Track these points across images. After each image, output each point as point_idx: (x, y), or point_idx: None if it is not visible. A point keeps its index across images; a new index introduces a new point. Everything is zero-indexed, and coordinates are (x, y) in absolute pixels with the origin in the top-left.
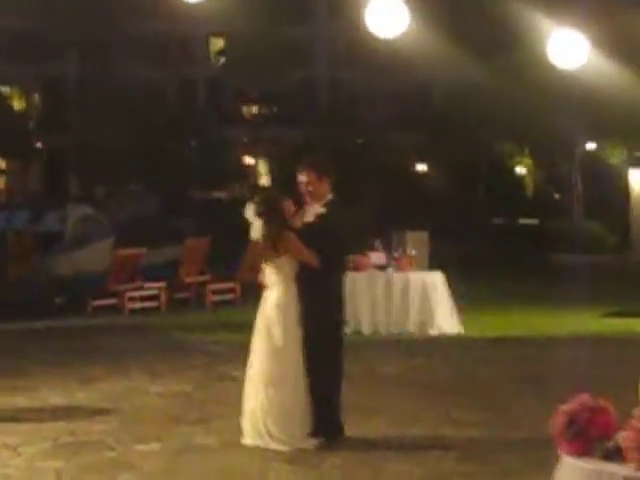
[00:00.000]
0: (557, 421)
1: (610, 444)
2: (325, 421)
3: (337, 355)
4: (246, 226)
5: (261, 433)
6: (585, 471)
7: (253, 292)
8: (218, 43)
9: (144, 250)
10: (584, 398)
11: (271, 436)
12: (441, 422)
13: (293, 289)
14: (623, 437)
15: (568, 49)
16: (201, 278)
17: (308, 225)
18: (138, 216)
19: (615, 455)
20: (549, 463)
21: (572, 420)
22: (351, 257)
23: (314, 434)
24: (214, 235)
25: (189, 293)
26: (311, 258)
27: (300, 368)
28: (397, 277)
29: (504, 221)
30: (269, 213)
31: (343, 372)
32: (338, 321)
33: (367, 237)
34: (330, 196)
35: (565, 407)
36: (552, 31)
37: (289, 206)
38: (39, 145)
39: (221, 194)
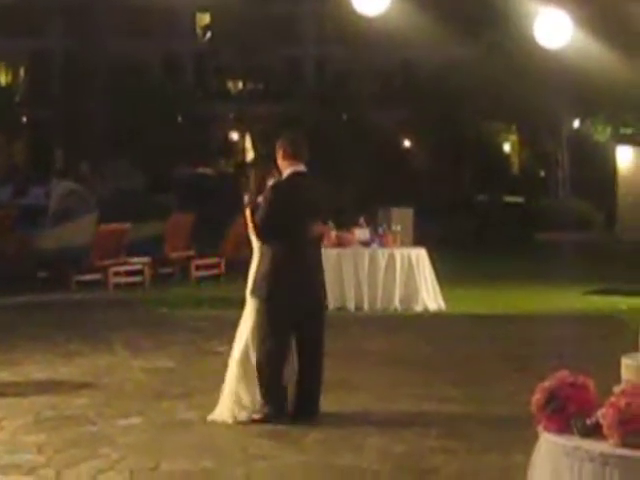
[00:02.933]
0: (537, 397)
1: (589, 421)
2: (264, 399)
3: (269, 332)
4: (231, 202)
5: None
6: (564, 447)
7: (237, 268)
8: (204, 18)
9: (128, 225)
10: (563, 374)
11: (226, 405)
12: (423, 398)
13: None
14: (602, 414)
15: (553, 28)
16: (185, 253)
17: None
18: (123, 191)
19: (594, 432)
20: (530, 439)
21: (551, 396)
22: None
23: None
24: (199, 211)
25: (173, 268)
26: (250, 231)
27: (248, 342)
28: (382, 253)
29: (489, 198)
30: (246, 185)
31: (278, 352)
32: (269, 297)
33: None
34: (289, 171)
35: (545, 383)
36: (537, 10)
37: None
38: (24, 119)
39: (206, 170)
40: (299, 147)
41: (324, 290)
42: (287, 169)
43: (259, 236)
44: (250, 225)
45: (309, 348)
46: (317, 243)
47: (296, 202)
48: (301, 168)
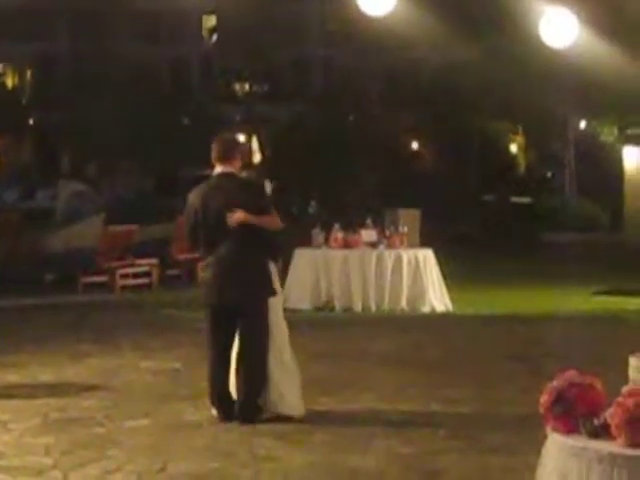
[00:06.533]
0: (544, 398)
1: (597, 421)
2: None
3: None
4: None
5: None
6: (572, 448)
7: None
8: (210, 20)
9: (135, 227)
10: (571, 375)
11: None
12: (430, 399)
13: None
14: (610, 414)
15: (559, 28)
16: (193, 255)
17: None
18: (130, 193)
19: (602, 432)
20: (538, 440)
21: (559, 397)
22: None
23: None
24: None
25: (180, 270)
26: None
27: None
28: (388, 254)
29: (496, 199)
30: None
31: (209, 355)
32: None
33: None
34: (215, 172)
35: (553, 384)
36: (543, 10)
37: None
38: (31, 122)
39: (213, 172)
40: (228, 149)
41: (250, 285)
42: (215, 170)
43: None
44: None
45: (240, 347)
46: (242, 239)
47: (206, 204)
48: (228, 169)
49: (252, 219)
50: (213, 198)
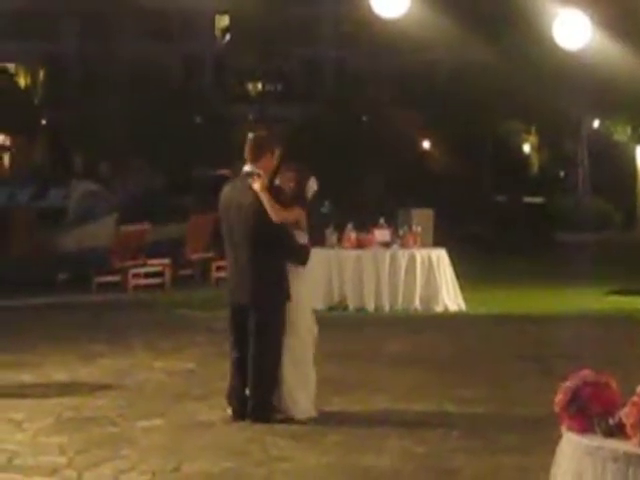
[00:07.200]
0: (559, 397)
1: (612, 420)
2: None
3: None
4: None
5: None
6: (587, 447)
7: None
8: (223, 20)
9: (148, 226)
10: (586, 374)
11: None
12: (444, 399)
13: None
14: (625, 413)
15: (572, 29)
16: (206, 255)
17: None
18: (142, 193)
19: (617, 431)
20: (552, 440)
21: (574, 396)
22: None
23: None
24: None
25: (194, 270)
26: None
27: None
28: (402, 254)
29: (509, 199)
30: None
31: (231, 352)
32: None
33: None
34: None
35: (567, 383)
36: (557, 11)
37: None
38: (44, 121)
39: (225, 171)
40: (257, 148)
41: (261, 286)
42: (244, 168)
43: None
44: None
45: (252, 347)
46: (259, 240)
47: (226, 203)
48: (253, 169)
49: (263, 195)
50: (231, 198)
